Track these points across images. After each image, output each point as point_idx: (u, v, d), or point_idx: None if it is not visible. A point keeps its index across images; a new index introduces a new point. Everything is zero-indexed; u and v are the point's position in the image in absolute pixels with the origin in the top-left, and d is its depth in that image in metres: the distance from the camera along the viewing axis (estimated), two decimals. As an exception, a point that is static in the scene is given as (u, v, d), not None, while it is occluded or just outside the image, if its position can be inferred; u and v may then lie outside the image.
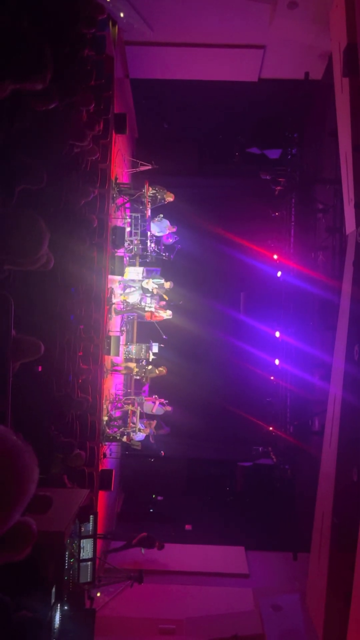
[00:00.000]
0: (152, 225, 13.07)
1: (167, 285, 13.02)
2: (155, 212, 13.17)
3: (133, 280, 12.92)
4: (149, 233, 13.10)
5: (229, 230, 15.49)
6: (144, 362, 12.87)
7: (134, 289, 12.79)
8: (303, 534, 11.48)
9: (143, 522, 14.04)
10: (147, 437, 12.37)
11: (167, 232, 13.52)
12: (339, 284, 10.56)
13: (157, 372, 12.71)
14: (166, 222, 13.43)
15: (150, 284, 12.65)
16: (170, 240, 13.70)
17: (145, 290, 12.62)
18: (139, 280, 12.83)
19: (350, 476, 8.48)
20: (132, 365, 12.77)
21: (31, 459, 1.46)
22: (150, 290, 12.62)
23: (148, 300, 12.84)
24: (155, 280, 12.90)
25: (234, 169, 16.35)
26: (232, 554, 12.66)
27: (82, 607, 6.82)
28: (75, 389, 8.01)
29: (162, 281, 13.03)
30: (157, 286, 12.79)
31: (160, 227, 13.39)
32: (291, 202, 14.74)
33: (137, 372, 12.76)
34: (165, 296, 12.94)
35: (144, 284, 12.65)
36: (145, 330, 13.93)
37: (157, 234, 13.36)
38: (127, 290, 12.96)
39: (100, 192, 9.30)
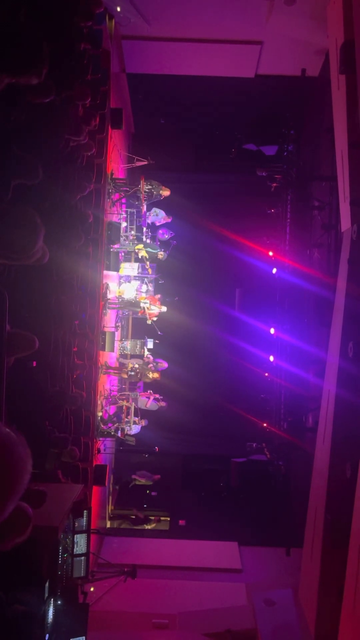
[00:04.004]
0: (149, 217, 13.11)
1: (160, 255, 13.06)
2: (150, 208, 13.16)
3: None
4: (144, 229, 13.10)
5: (224, 226, 15.49)
6: (139, 368, 12.87)
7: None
8: (296, 529, 11.54)
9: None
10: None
11: (162, 222, 13.52)
12: (334, 281, 10.58)
13: (150, 376, 12.72)
14: (162, 214, 13.43)
15: (143, 252, 12.73)
16: (166, 236, 13.70)
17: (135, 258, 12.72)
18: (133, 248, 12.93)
19: (343, 472, 8.52)
20: (126, 369, 12.79)
21: (25, 451, 1.47)
22: (140, 257, 12.71)
23: (143, 288, 12.86)
24: (149, 249, 12.91)
25: (230, 165, 16.32)
26: (225, 549, 12.71)
27: (75, 601, 6.83)
28: (70, 384, 8.01)
29: (157, 251, 13.05)
30: (147, 255, 12.88)
31: (156, 220, 13.42)
32: (287, 199, 14.75)
33: (130, 375, 12.75)
34: (147, 260, 12.95)
35: (137, 249, 12.73)
36: (141, 326, 13.93)
37: (157, 223, 13.40)
38: (123, 285, 12.96)
39: (96, 187, 9.28)
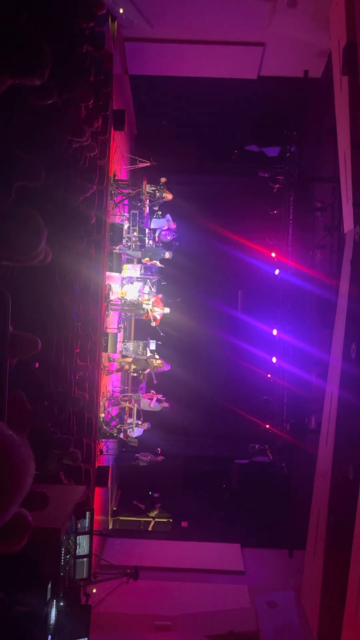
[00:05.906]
0: (152, 221, 13.10)
1: (167, 255, 13.08)
2: (153, 210, 13.16)
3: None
4: (147, 230, 13.09)
5: (227, 227, 15.49)
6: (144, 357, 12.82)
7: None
8: (299, 531, 11.51)
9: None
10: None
11: (166, 228, 13.50)
12: (336, 282, 10.58)
13: (154, 365, 12.65)
14: (166, 218, 13.39)
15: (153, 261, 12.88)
16: (169, 237, 13.69)
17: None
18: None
19: (346, 474, 8.51)
20: (128, 360, 12.72)
21: (28, 453, 1.47)
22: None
23: (146, 290, 12.85)
24: (154, 254, 12.94)
25: (232, 167, 16.31)
26: (227, 551, 12.69)
27: (77, 603, 6.83)
28: (73, 385, 8.01)
29: (163, 254, 13.05)
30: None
31: (159, 224, 13.39)
32: (289, 200, 14.75)
33: (134, 368, 12.68)
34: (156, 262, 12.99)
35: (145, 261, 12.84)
36: (143, 327, 13.93)
37: (157, 228, 13.41)
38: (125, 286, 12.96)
39: (99, 188, 9.28)
